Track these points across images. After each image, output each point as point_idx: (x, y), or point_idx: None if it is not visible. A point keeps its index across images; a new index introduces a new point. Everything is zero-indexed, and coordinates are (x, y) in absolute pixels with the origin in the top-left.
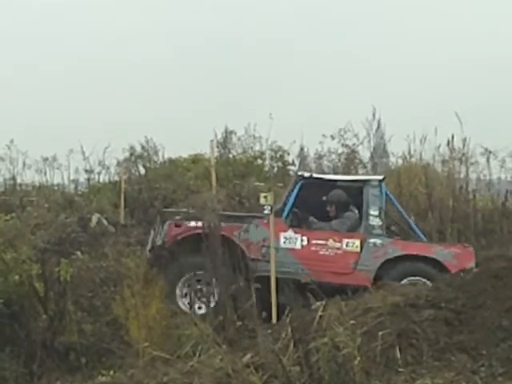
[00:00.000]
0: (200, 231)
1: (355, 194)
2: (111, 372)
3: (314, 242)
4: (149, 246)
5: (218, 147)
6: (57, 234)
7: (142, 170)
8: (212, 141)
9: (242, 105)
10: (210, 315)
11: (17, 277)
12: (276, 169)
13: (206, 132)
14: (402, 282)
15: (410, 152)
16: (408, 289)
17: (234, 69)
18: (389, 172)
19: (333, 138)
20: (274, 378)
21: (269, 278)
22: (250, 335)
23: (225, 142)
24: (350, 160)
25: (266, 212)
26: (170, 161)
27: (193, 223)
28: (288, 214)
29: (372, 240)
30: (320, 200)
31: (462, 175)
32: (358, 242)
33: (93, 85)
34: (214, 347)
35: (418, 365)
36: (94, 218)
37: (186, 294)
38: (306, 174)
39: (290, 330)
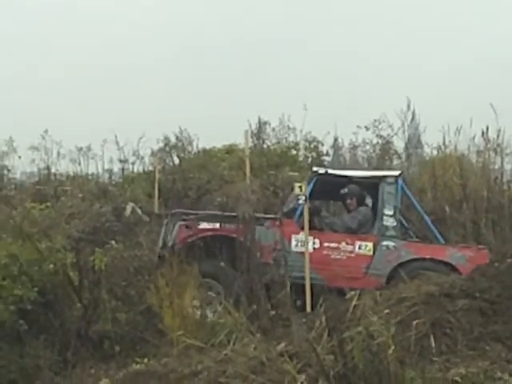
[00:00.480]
0: (211, 233)
1: (371, 191)
2: (145, 360)
3: (326, 244)
4: (160, 244)
5: (252, 138)
6: (91, 224)
7: (176, 160)
8: (246, 131)
9: (277, 95)
10: (244, 304)
11: (51, 266)
12: (310, 159)
13: (241, 123)
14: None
15: (444, 143)
16: (442, 278)
17: (269, 60)
18: (423, 163)
19: (367, 128)
20: (308, 367)
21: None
22: (284, 324)
23: (259, 133)
24: (385, 151)
25: (300, 202)
26: (204, 151)
27: (204, 225)
28: (301, 215)
29: (385, 243)
30: (335, 196)
31: (496, 166)
32: (370, 245)
33: (128, 75)
34: (248, 336)
35: (452, 354)
36: (129, 207)
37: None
38: (321, 170)
39: (324, 319)
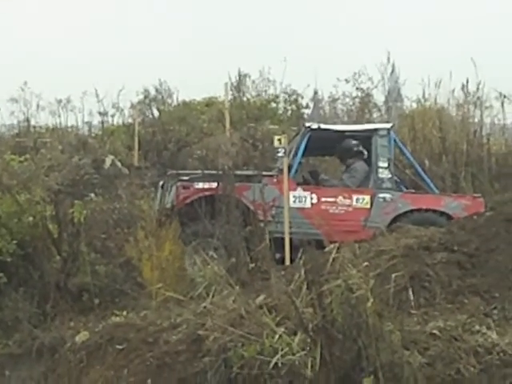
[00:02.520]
0: (208, 193)
1: (364, 144)
2: (124, 313)
3: (323, 199)
4: (157, 205)
5: (231, 90)
6: (70, 176)
7: (156, 113)
8: (226, 84)
9: (256, 48)
10: (224, 257)
11: (30, 218)
12: (290, 112)
13: (220, 75)
14: None
15: (424, 96)
16: (421, 231)
17: (248, 12)
18: (403, 116)
19: (347, 81)
20: (286, 320)
21: (282, 239)
22: (263, 277)
23: (239, 85)
24: (365, 103)
25: (279, 155)
26: (184, 103)
27: (200, 185)
28: (297, 170)
29: (382, 195)
30: (328, 152)
31: (476, 119)
32: (367, 198)
33: (106, 25)
34: (227, 289)
35: (430, 307)
36: (108, 160)
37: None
38: (314, 126)
39: (303, 271)
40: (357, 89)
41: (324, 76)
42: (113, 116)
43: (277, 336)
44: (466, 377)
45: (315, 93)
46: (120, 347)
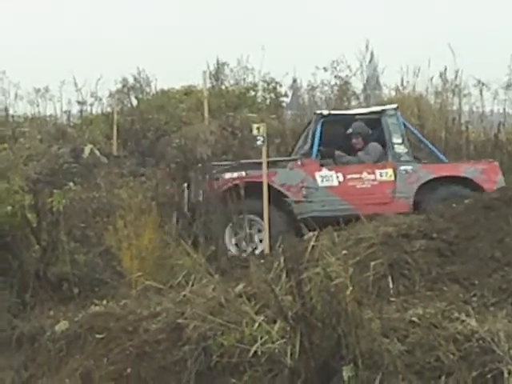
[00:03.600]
0: (238, 182)
1: (374, 125)
2: (104, 302)
3: (349, 176)
4: (186, 201)
5: (210, 79)
6: (49, 165)
7: (135, 102)
8: (204, 72)
9: (235, 36)
10: (202, 245)
11: (9, 207)
12: (269, 100)
13: (199, 63)
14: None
15: (402, 84)
16: (400, 219)
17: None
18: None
19: (326, 69)
20: (266, 308)
21: (314, 218)
22: (243, 265)
23: (217, 74)
24: (343, 91)
25: (258, 143)
26: (163, 92)
27: (228, 175)
28: (317, 154)
29: (403, 167)
30: (341, 135)
31: (454, 107)
32: (390, 171)
33: (85, 14)
34: (207, 277)
35: (409, 294)
36: (87, 148)
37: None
38: (325, 112)
39: (282, 259)
40: (335, 77)
41: (303, 64)
42: (91, 105)
43: (256, 324)
44: (446, 364)
45: (294, 81)
46: (100, 336)
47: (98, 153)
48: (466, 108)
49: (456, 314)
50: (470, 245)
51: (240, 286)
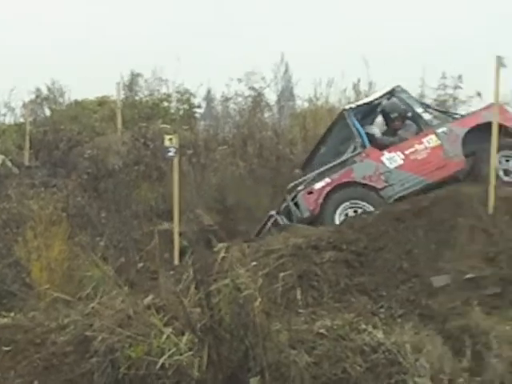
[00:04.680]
0: (329, 188)
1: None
2: (12, 314)
3: (406, 152)
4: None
5: (124, 90)
6: None
7: (48, 112)
8: (118, 83)
9: (150, 47)
10: (112, 257)
11: None
12: (182, 111)
13: (113, 74)
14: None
15: (316, 95)
16: (310, 231)
17: (143, 11)
18: (295, 115)
19: (240, 80)
20: (174, 320)
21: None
22: (152, 277)
23: (131, 85)
24: (257, 103)
25: (170, 154)
26: (77, 103)
27: (319, 184)
28: (369, 141)
29: (440, 130)
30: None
31: None
32: (433, 137)
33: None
34: (116, 289)
35: (318, 306)
36: None
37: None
38: (352, 106)
39: (191, 271)
40: (249, 88)
41: (217, 76)
42: (4, 115)
43: (164, 336)
44: (352, 376)
45: (208, 92)
46: (7, 349)
47: (9, 164)
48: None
49: (363, 326)
50: (379, 256)
51: (149, 298)
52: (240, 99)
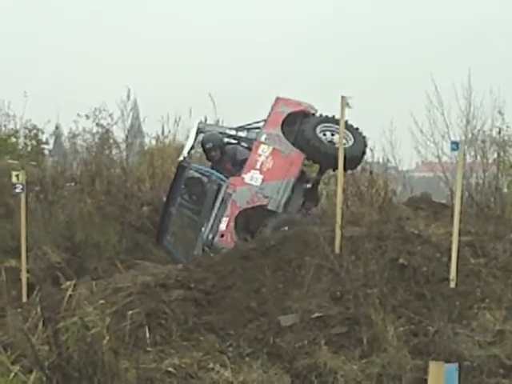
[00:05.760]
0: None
1: None
2: None
3: (258, 167)
4: None
5: None
6: None
7: None
8: None
9: None
10: None
11: None
12: (30, 147)
13: None
14: None
15: (163, 133)
16: (159, 269)
17: None
18: (142, 152)
19: (87, 117)
20: (22, 357)
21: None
22: (0, 314)
23: None
24: (104, 139)
25: (17, 190)
26: None
27: (222, 225)
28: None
29: (262, 138)
30: None
31: None
32: (262, 146)
33: None
34: None
35: (166, 344)
36: None
37: None
38: (184, 155)
39: (39, 309)
40: (97, 125)
41: (65, 112)
42: None
43: (12, 374)
44: None
45: (56, 128)
46: None
47: None
48: None
49: (211, 365)
50: (227, 295)
51: None
52: (88, 136)
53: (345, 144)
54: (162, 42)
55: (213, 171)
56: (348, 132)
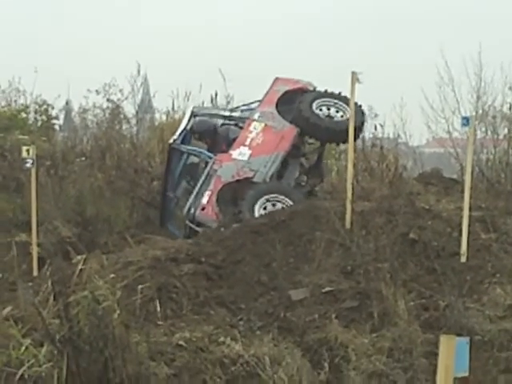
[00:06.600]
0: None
1: None
2: None
3: (247, 143)
4: None
5: None
6: None
7: None
8: None
9: (7, 58)
10: None
11: None
12: (40, 122)
13: None
14: None
15: (173, 108)
16: (169, 243)
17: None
18: (153, 127)
19: (98, 92)
20: (33, 331)
21: None
22: (11, 288)
23: None
24: (115, 115)
25: (27, 165)
26: None
27: (204, 199)
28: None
29: (255, 116)
30: None
31: None
32: (255, 123)
33: None
34: None
35: (177, 318)
36: None
37: None
38: (175, 137)
39: (50, 282)
40: (107, 100)
41: (76, 87)
42: None
43: (23, 347)
44: None
45: (66, 103)
46: None
47: None
48: None
49: (222, 338)
50: (237, 269)
51: (7, 309)
52: (98, 111)
53: (342, 116)
54: (174, 25)
55: (201, 150)
56: (345, 104)
